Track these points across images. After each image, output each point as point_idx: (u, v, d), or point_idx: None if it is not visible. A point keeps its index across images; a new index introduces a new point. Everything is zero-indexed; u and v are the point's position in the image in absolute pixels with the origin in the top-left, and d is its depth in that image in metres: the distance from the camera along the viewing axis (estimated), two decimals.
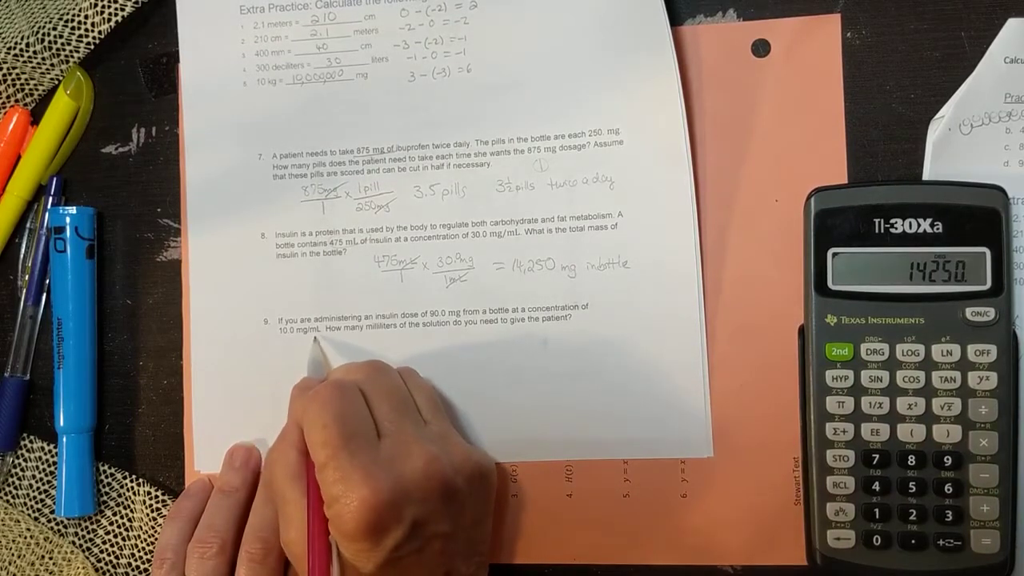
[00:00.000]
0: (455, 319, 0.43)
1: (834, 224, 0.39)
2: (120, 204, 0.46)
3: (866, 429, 0.38)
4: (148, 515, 0.45)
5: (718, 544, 0.41)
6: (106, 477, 0.45)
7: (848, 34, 0.42)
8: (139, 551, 0.45)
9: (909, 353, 0.38)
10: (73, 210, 0.44)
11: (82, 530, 0.45)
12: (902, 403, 0.38)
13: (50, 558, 0.45)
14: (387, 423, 0.37)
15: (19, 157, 0.46)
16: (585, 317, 0.42)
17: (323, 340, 0.43)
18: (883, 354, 0.38)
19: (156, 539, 0.44)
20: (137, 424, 0.46)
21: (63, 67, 0.45)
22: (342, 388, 0.37)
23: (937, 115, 0.41)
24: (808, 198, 0.39)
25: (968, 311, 0.38)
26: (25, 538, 0.45)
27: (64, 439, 0.44)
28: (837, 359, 0.39)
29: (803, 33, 0.42)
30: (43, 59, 0.45)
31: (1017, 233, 0.39)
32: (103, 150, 0.46)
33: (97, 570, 0.45)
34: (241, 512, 0.41)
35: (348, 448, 0.34)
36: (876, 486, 0.38)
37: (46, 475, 0.46)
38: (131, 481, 0.45)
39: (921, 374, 0.38)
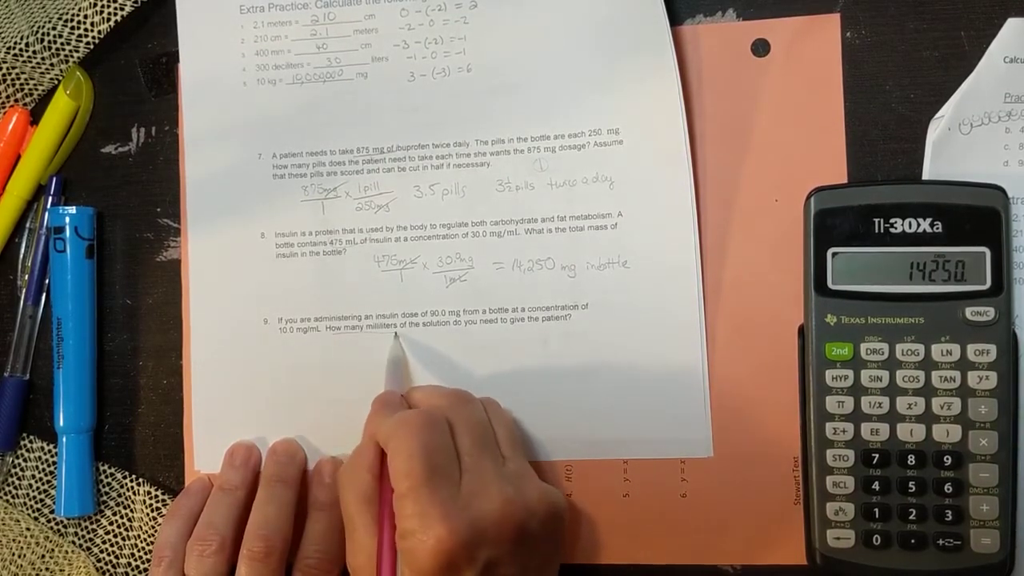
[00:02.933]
0: (455, 319, 0.43)
1: (834, 224, 0.39)
2: (120, 204, 0.46)
3: (866, 429, 0.38)
4: (148, 515, 0.45)
5: (718, 544, 0.41)
6: (106, 477, 0.45)
7: (848, 34, 0.42)
8: (139, 551, 0.45)
9: (909, 353, 0.38)
10: (73, 210, 0.44)
11: (82, 530, 0.45)
12: (902, 403, 0.38)
13: (51, 557, 0.45)
14: (468, 458, 0.36)
15: (19, 157, 0.46)
16: (585, 317, 0.42)
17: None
18: (883, 354, 0.38)
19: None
20: (137, 424, 0.46)
21: (63, 67, 0.45)
22: (432, 419, 0.37)
23: (937, 115, 0.41)
24: (808, 198, 0.39)
25: (968, 311, 0.38)
26: (25, 538, 0.45)
27: (64, 439, 0.44)
28: (837, 359, 0.39)
29: (803, 33, 0.42)
30: (43, 59, 0.45)
31: (1017, 233, 0.39)
32: (103, 150, 0.46)
33: (97, 570, 0.45)
34: (241, 511, 0.41)
35: (431, 483, 0.34)
36: (876, 486, 0.38)
37: (46, 475, 0.46)
38: (131, 481, 0.45)
39: (921, 374, 0.38)
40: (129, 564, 0.45)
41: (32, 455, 0.46)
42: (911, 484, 0.38)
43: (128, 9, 0.44)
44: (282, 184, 0.44)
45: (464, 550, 0.33)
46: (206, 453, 0.44)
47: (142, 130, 0.46)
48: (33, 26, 0.44)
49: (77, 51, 0.45)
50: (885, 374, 0.38)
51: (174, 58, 0.45)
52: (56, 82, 0.46)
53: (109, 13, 0.44)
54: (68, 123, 0.46)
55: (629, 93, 0.42)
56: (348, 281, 0.44)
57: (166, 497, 0.45)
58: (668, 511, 0.42)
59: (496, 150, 0.43)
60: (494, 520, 0.34)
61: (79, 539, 0.45)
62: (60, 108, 0.45)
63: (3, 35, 0.44)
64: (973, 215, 0.38)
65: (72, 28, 0.44)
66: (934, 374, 0.38)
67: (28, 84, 0.46)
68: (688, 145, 0.41)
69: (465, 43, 0.43)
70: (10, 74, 0.45)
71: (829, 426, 0.39)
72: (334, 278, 0.44)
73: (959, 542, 0.38)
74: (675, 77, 0.41)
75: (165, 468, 0.45)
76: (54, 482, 0.45)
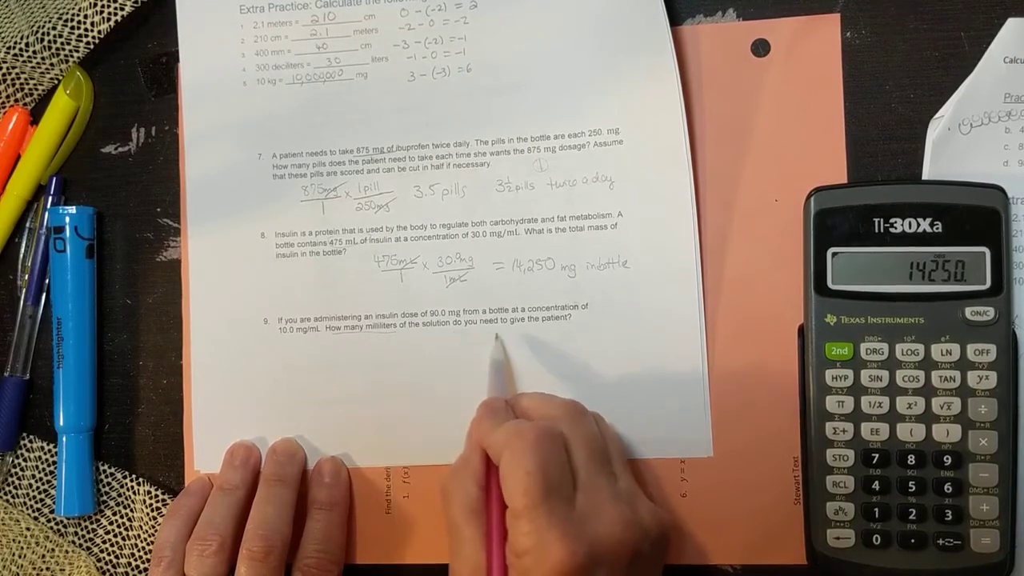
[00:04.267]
0: (455, 319, 0.43)
1: (834, 224, 0.39)
2: (120, 204, 0.46)
3: (866, 428, 0.38)
4: (148, 515, 0.45)
5: (718, 544, 0.41)
6: (106, 477, 0.45)
7: (848, 34, 0.42)
8: (139, 551, 0.45)
9: (909, 352, 0.38)
10: (73, 210, 0.44)
11: (82, 530, 0.45)
12: (902, 402, 0.38)
13: (51, 557, 0.45)
14: (583, 473, 0.36)
15: (19, 157, 0.46)
16: (585, 317, 0.42)
17: (503, 336, 0.42)
18: (883, 354, 0.38)
19: None
20: (137, 424, 0.46)
21: (63, 67, 0.45)
22: (549, 433, 0.36)
23: (937, 115, 0.41)
24: (808, 198, 0.39)
25: (968, 311, 0.38)
26: (25, 537, 0.45)
27: (64, 439, 0.44)
28: (837, 358, 0.39)
29: (803, 33, 0.42)
30: (43, 59, 0.45)
31: (1017, 233, 0.39)
32: (103, 150, 0.46)
33: (96, 570, 0.45)
34: (240, 510, 0.41)
35: (548, 502, 0.33)
36: (876, 485, 0.38)
37: (46, 475, 0.46)
38: (131, 481, 0.45)
39: (921, 373, 0.38)
40: (129, 564, 0.44)
41: (32, 455, 0.46)
42: (911, 484, 0.38)
43: (128, 9, 0.44)
44: (282, 184, 0.44)
45: (581, 572, 0.33)
46: (206, 453, 0.44)
47: (142, 130, 0.46)
48: (33, 26, 0.44)
49: (77, 51, 0.45)
50: (885, 374, 0.38)
51: (174, 58, 0.45)
52: (56, 82, 0.46)
53: (109, 13, 0.44)
54: (68, 123, 0.46)
55: (629, 93, 0.42)
56: (348, 281, 0.44)
57: (166, 497, 0.45)
58: (668, 511, 0.42)
59: (496, 150, 0.43)
60: (612, 542, 0.34)
61: (79, 539, 0.45)
62: (60, 108, 0.45)
63: (3, 35, 0.44)
64: (973, 215, 0.38)
65: (72, 28, 0.44)
66: (934, 374, 0.38)
67: (28, 84, 0.46)
68: (688, 145, 0.41)
69: (465, 43, 0.43)
70: (10, 74, 0.45)
71: (829, 426, 0.39)
72: (334, 278, 0.44)
73: (959, 542, 0.38)
74: (675, 77, 0.41)
75: (165, 468, 0.45)
76: (54, 482, 0.45)
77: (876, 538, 0.38)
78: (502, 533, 0.35)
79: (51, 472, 0.46)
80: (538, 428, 0.36)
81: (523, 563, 0.33)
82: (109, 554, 0.45)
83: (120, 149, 0.46)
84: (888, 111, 0.41)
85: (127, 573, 0.44)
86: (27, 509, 0.46)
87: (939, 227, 0.38)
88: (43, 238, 0.45)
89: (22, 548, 0.45)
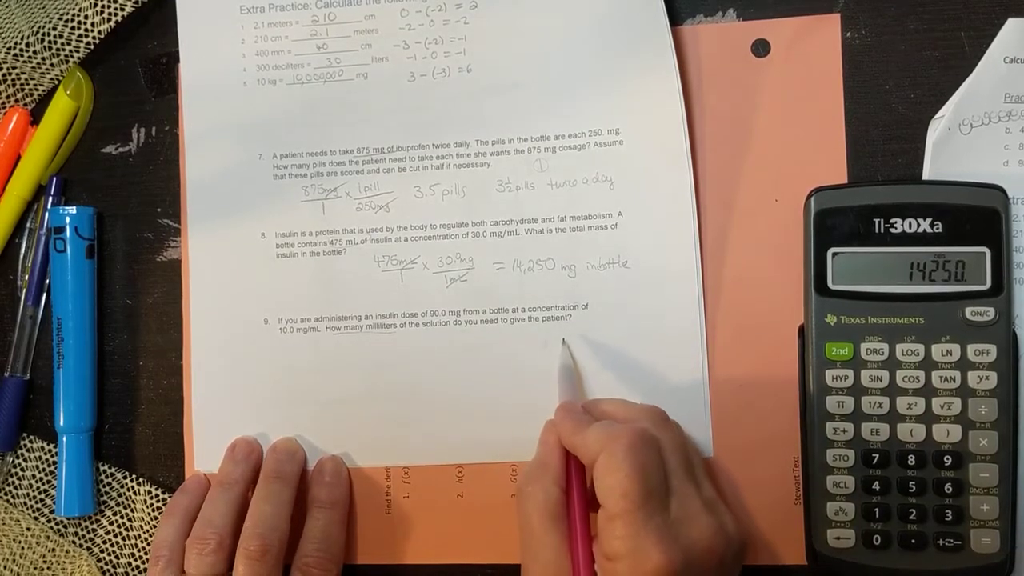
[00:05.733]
0: (455, 319, 0.43)
1: (834, 224, 0.39)
2: (120, 204, 0.46)
3: (866, 429, 0.38)
4: (148, 514, 0.45)
5: None
6: (106, 477, 0.45)
7: (848, 34, 0.42)
8: (139, 551, 0.45)
9: (909, 353, 0.38)
10: (73, 210, 0.44)
11: (82, 530, 0.45)
12: (902, 403, 0.38)
13: (52, 557, 0.45)
14: (674, 480, 0.35)
15: (19, 157, 0.46)
16: (585, 317, 0.42)
17: (570, 341, 0.42)
18: (883, 354, 0.38)
19: None
20: (137, 424, 0.46)
21: (63, 67, 0.45)
22: (647, 437, 0.35)
23: (937, 115, 0.41)
24: (808, 198, 0.39)
25: (968, 311, 0.38)
26: (26, 537, 0.45)
27: (64, 439, 0.44)
28: (837, 359, 0.39)
29: (803, 33, 0.42)
30: (43, 59, 0.45)
31: (1017, 233, 0.39)
32: (103, 150, 0.46)
33: (97, 570, 0.45)
34: (239, 507, 0.41)
35: (647, 506, 0.33)
36: (876, 485, 0.38)
37: (46, 475, 0.46)
38: (131, 481, 0.45)
39: (921, 374, 0.38)
40: (129, 564, 0.45)
41: (32, 455, 0.46)
42: (911, 484, 0.38)
43: (128, 9, 0.44)
44: (282, 184, 0.44)
45: None
46: (206, 453, 0.44)
47: (142, 130, 0.46)
48: (33, 26, 0.44)
49: (77, 51, 0.45)
50: (885, 374, 0.38)
51: (174, 58, 0.45)
52: (56, 82, 0.46)
53: (109, 13, 0.44)
54: (68, 123, 0.46)
55: (629, 93, 0.42)
56: (348, 281, 0.44)
57: (166, 497, 0.45)
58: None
59: (496, 150, 0.43)
60: (702, 550, 0.34)
61: (79, 539, 0.45)
62: (60, 108, 0.45)
63: (3, 35, 0.44)
64: (973, 215, 0.38)
65: (72, 28, 0.44)
66: (934, 374, 0.38)
67: (28, 84, 0.46)
68: (688, 145, 0.41)
69: (465, 43, 0.43)
70: (10, 74, 0.45)
71: (829, 426, 0.39)
72: (334, 278, 0.44)
73: (959, 542, 0.38)
74: (675, 77, 0.41)
75: (165, 468, 0.45)
76: (54, 482, 0.45)
77: (876, 538, 0.38)
78: (587, 535, 0.35)
79: (51, 472, 0.46)
80: (634, 430, 0.35)
81: (615, 568, 0.33)
82: (109, 554, 0.45)
83: (120, 149, 0.46)
84: (888, 111, 0.41)
85: (127, 573, 0.44)
86: (27, 509, 0.46)
87: (939, 227, 0.38)
88: (43, 238, 0.45)
89: (23, 548, 0.45)
